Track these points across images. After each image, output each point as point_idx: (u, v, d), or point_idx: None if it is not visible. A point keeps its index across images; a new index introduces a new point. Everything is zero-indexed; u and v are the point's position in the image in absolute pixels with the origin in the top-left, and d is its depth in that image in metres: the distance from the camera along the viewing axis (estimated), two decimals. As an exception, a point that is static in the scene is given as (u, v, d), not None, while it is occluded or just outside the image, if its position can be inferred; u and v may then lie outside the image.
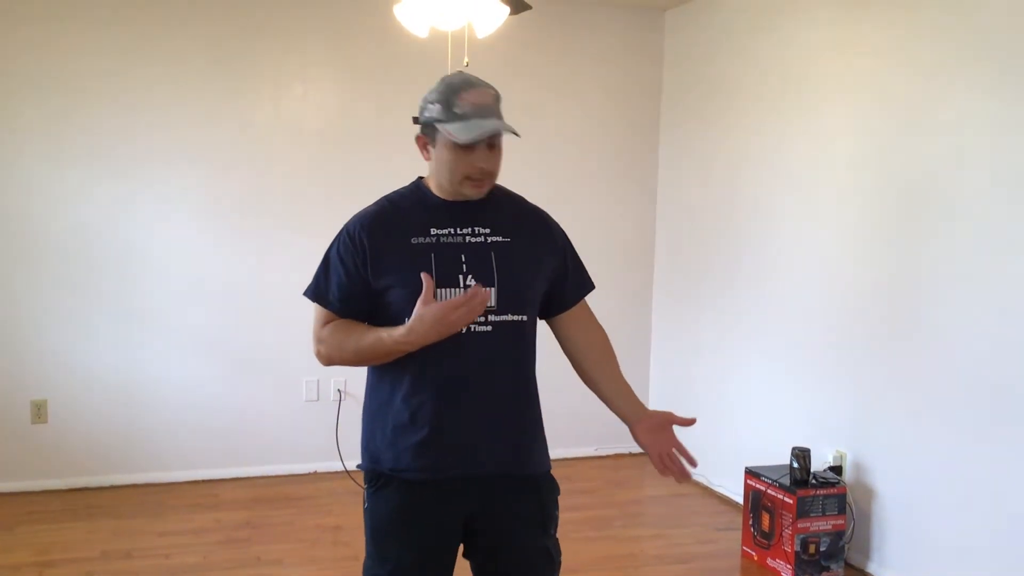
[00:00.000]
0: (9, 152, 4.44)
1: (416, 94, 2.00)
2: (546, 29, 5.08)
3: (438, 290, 1.88)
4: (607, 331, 2.16)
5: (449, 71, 3.69)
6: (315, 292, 2.01)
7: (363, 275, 1.94)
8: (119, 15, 4.52)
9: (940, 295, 3.34)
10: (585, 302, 2.15)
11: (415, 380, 1.93)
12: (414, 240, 1.93)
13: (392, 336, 1.87)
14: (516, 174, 5.00)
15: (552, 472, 2.08)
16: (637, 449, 5.20)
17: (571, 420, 5.25)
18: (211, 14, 4.64)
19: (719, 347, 4.75)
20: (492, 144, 1.91)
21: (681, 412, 5.03)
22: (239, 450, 4.84)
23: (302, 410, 4.89)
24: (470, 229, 1.95)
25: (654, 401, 5.31)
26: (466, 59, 3.61)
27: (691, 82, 5.03)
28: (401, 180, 2.09)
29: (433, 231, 1.94)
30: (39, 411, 4.55)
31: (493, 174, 1.95)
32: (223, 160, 4.72)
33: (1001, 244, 3.09)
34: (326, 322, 2.00)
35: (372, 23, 4.77)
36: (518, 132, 1.91)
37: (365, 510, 2.03)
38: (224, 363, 4.79)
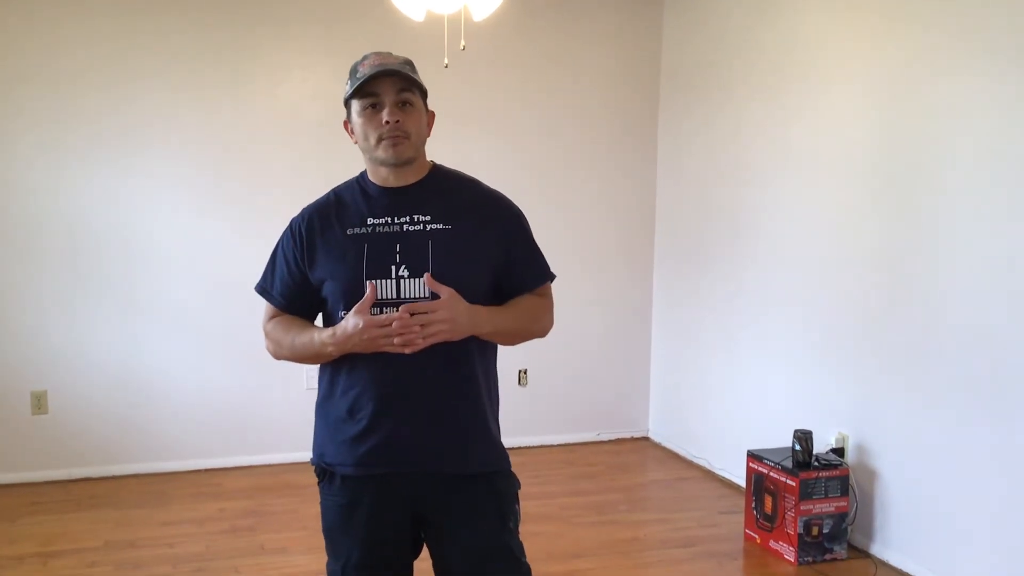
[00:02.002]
0: (7, 143, 4.42)
1: (412, 79, 1.98)
2: (543, 11, 5.04)
3: (374, 281, 1.82)
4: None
5: (446, 55, 3.67)
6: (261, 287, 2.01)
7: (303, 270, 1.93)
8: (115, 4, 4.49)
9: (941, 276, 3.32)
10: (546, 291, 2.03)
11: (352, 373, 1.89)
12: (350, 231, 1.89)
13: (321, 337, 1.86)
14: (515, 156, 5.06)
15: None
16: (639, 433, 5.30)
17: (572, 405, 5.29)
18: (208, 2, 4.61)
19: (720, 329, 4.74)
20: (404, 102, 1.85)
21: (683, 395, 5.04)
22: (242, 439, 4.84)
23: (304, 398, 4.88)
24: (408, 217, 1.88)
25: (656, 385, 5.30)
26: (463, 43, 3.58)
27: (690, 63, 5.00)
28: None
29: (370, 221, 1.89)
30: (39, 402, 4.55)
31: (406, 131, 1.84)
32: (223, 149, 4.70)
33: (1002, 225, 3.08)
34: (271, 317, 1.99)
35: (368, 8, 4.73)
36: (417, 79, 1.86)
37: (320, 506, 2.00)
38: (226, 352, 4.78)
